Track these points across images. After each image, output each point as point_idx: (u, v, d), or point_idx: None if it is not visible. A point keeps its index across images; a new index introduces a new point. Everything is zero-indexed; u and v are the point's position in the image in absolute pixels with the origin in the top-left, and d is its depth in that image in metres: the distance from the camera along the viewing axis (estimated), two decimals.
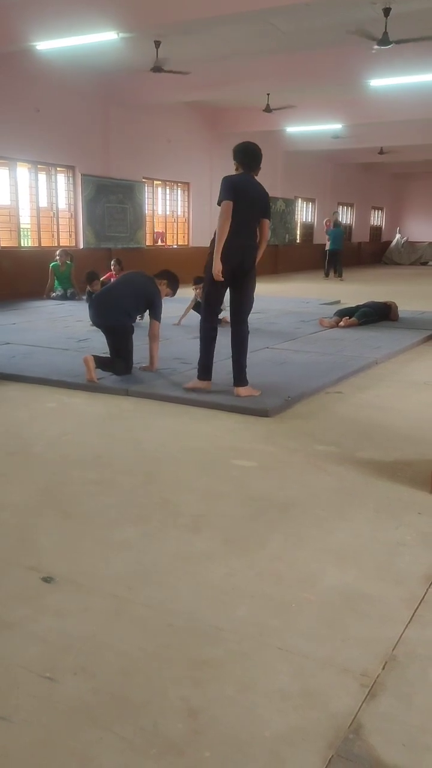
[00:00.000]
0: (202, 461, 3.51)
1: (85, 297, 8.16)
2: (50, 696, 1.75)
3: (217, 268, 4.38)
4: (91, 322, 5.68)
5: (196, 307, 7.20)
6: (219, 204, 4.41)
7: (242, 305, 4.69)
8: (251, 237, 4.47)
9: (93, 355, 5.10)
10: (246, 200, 4.36)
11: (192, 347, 6.36)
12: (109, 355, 5.32)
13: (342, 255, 17.43)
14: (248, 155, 4.45)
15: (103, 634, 2.00)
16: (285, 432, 4.02)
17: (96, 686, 1.78)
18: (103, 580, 2.30)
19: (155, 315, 5.33)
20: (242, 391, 4.68)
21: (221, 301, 4.79)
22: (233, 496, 3.03)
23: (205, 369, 4.75)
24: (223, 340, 4.89)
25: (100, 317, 5.35)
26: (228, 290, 4.70)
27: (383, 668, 1.86)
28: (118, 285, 5.54)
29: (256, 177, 4.50)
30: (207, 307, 4.77)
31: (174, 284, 5.53)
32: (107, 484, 3.18)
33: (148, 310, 5.39)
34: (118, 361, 5.22)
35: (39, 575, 2.33)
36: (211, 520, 2.79)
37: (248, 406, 4.42)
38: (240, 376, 4.72)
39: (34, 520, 2.79)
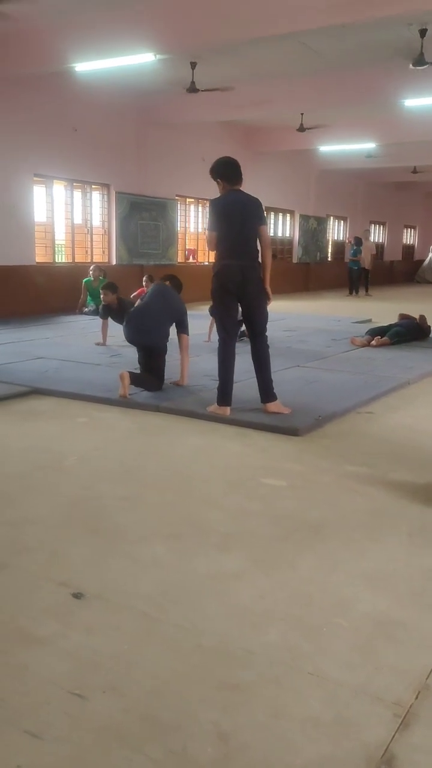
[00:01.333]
0: (232, 479, 3.50)
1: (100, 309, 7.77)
2: (81, 714, 1.74)
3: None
4: (126, 339, 5.64)
5: None
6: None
7: (254, 321, 4.65)
8: (249, 255, 4.42)
9: (129, 372, 5.13)
10: (235, 220, 4.33)
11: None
12: (140, 371, 5.36)
13: (367, 271, 17.45)
14: (228, 168, 4.41)
15: (133, 653, 2.00)
16: (315, 451, 3.99)
17: (126, 706, 1.77)
18: (133, 598, 2.30)
19: (184, 329, 5.37)
20: (271, 407, 4.64)
21: (234, 320, 4.68)
22: (263, 516, 3.01)
23: (223, 394, 4.61)
24: (247, 357, 4.87)
25: (141, 337, 5.35)
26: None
27: (417, 698, 1.82)
28: (155, 304, 5.47)
29: (241, 189, 4.43)
30: (220, 329, 4.68)
31: (178, 288, 5.57)
32: (137, 500, 3.19)
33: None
34: (150, 377, 5.26)
35: (69, 591, 2.34)
36: (240, 539, 2.77)
37: (278, 425, 4.40)
38: (266, 392, 4.65)
39: (64, 534, 2.81)
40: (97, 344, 7.64)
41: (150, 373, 5.29)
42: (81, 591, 2.33)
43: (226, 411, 4.62)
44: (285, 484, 3.41)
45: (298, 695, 1.83)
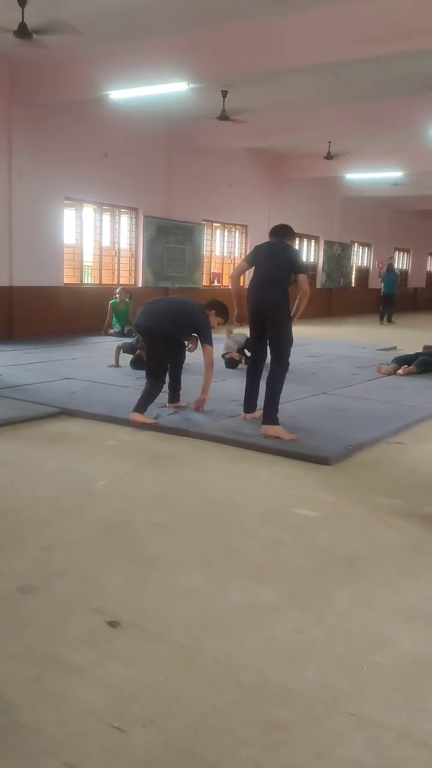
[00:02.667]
0: (264, 508, 3.48)
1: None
2: (120, 747, 1.73)
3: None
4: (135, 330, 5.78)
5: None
6: None
7: (272, 347, 5.07)
8: (270, 287, 4.92)
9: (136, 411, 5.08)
10: (262, 259, 5.04)
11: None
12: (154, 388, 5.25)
13: (395, 299, 17.40)
14: (272, 230, 5.31)
15: (171, 686, 1.98)
16: (346, 482, 3.96)
17: (166, 740, 1.75)
18: (169, 628, 2.28)
19: (206, 339, 5.26)
20: (268, 429, 4.77)
21: (255, 339, 5.23)
22: (297, 547, 2.98)
23: (245, 402, 5.27)
24: (283, 383, 4.88)
25: (144, 319, 5.25)
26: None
27: None
28: (167, 300, 5.80)
29: (284, 241, 5.17)
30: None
31: (223, 312, 5.56)
32: (169, 526, 3.18)
33: (195, 336, 5.48)
34: (150, 379, 5.22)
35: (104, 618, 2.33)
36: (275, 570, 2.75)
37: (308, 453, 4.38)
38: (266, 415, 4.86)
39: (98, 559, 2.80)
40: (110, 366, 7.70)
41: (151, 373, 5.25)
42: (116, 619, 2.32)
43: (246, 416, 5.22)
44: (318, 515, 3.38)
45: (340, 736, 1.80)
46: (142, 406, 5.10)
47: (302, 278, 4.98)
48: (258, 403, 5.21)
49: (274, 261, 4.98)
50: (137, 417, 5.05)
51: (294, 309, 5.00)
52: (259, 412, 5.14)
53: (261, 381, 5.18)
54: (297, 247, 17.88)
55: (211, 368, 5.35)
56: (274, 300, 4.89)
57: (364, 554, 2.94)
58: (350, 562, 2.85)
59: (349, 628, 2.32)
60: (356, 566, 2.81)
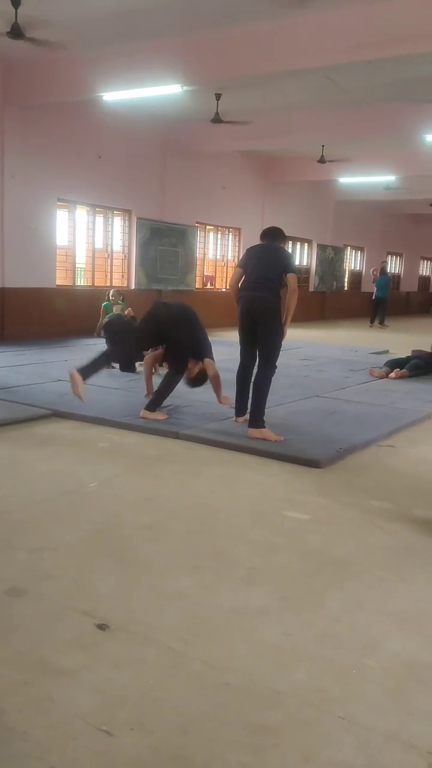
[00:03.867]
0: (255, 511, 3.47)
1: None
2: (108, 751, 1.71)
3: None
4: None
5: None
6: None
7: (261, 350, 5.03)
8: (261, 290, 4.88)
9: (77, 370, 5.03)
10: (253, 262, 5.02)
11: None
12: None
13: (387, 303, 17.44)
14: (263, 233, 5.34)
15: (159, 689, 1.97)
16: (338, 485, 3.96)
17: (154, 744, 1.74)
18: (158, 631, 2.27)
19: (203, 354, 5.37)
20: (254, 433, 4.79)
21: (245, 343, 5.18)
22: (288, 550, 2.98)
23: (237, 405, 5.27)
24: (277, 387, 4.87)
25: (173, 311, 5.44)
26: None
27: None
28: (178, 302, 5.89)
29: (275, 243, 5.18)
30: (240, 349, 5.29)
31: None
32: (160, 529, 3.17)
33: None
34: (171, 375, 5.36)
35: (94, 621, 2.31)
36: (266, 573, 2.74)
37: (299, 456, 4.38)
38: (252, 418, 4.88)
39: (88, 562, 2.79)
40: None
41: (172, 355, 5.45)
42: (105, 622, 2.31)
43: (238, 419, 5.23)
44: (309, 518, 3.38)
45: (329, 739, 1.79)
46: (154, 404, 5.23)
47: (291, 277, 4.94)
48: (248, 405, 5.18)
49: (265, 263, 4.96)
50: (148, 414, 5.17)
51: (285, 310, 4.99)
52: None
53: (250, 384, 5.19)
54: (289, 250, 17.98)
55: (217, 383, 5.44)
56: (266, 302, 4.86)
57: (355, 557, 2.93)
58: (341, 565, 2.85)
59: (339, 631, 2.32)
60: (347, 569, 2.81)
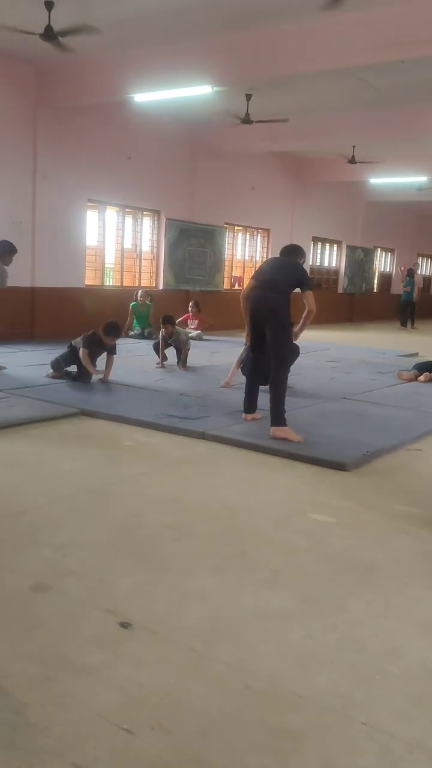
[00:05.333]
0: (279, 513, 3.46)
1: (156, 338, 8.49)
2: (128, 750, 1.71)
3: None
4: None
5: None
6: None
7: (272, 351, 4.96)
8: (270, 291, 4.91)
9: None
10: (265, 269, 5.19)
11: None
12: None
13: (413, 305, 17.29)
14: (282, 250, 5.45)
15: (180, 689, 1.96)
16: (364, 488, 3.92)
17: (174, 744, 1.74)
18: (180, 631, 2.27)
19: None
20: (276, 432, 4.76)
21: (254, 342, 5.16)
22: (312, 553, 2.95)
23: (245, 403, 5.32)
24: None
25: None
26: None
27: None
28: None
29: (290, 258, 5.26)
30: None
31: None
32: (183, 529, 3.17)
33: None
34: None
35: (116, 619, 2.32)
36: (289, 576, 2.72)
37: (326, 458, 4.34)
38: (273, 417, 4.85)
39: (111, 561, 2.80)
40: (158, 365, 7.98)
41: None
42: (128, 620, 2.31)
43: (246, 417, 5.28)
44: (334, 521, 3.35)
45: (351, 746, 1.77)
46: (279, 418, 4.80)
47: (310, 295, 4.96)
48: (259, 404, 5.29)
49: (277, 270, 5.04)
50: (279, 432, 4.74)
51: (299, 326, 5.11)
52: (259, 413, 5.23)
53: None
54: (318, 252, 17.91)
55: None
56: (274, 302, 4.87)
57: (380, 562, 2.90)
58: (366, 569, 2.82)
59: (362, 636, 2.29)
60: (372, 574, 2.78)
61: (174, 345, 8.06)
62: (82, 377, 6.66)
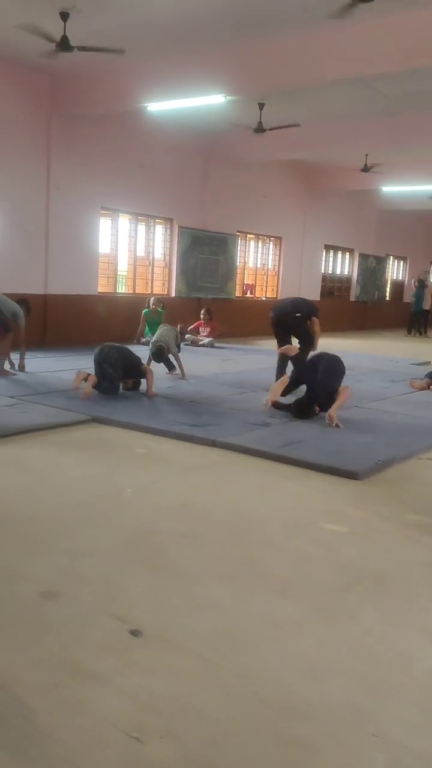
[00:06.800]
0: (290, 521, 3.44)
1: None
2: (138, 758, 1.71)
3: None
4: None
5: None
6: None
7: (302, 343, 7.13)
8: (291, 307, 7.30)
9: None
10: (287, 301, 7.57)
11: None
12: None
13: (424, 314, 17.37)
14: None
15: (190, 697, 1.96)
16: (376, 497, 3.90)
17: (184, 753, 1.73)
18: (190, 640, 2.26)
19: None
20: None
21: (280, 342, 7.22)
22: (323, 562, 2.94)
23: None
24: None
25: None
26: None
27: None
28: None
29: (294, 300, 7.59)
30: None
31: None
32: (194, 537, 3.17)
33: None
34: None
35: (126, 626, 2.32)
36: (300, 585, 2.71)
37: (337, 467, 4.32)
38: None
39: (123, 567, 2.80)
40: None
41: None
42: (138, 628, 2.31)
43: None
44: (345, 530, 3.33)
45: (361, 757, 1.76)
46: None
47: (315, 320, 7.06)
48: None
49: (293, 304, 7.30)
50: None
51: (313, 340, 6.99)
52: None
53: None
54: (330, 260, 17.91)
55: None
56: (295, 313, 7.05)
57: (392, 572, 2.88)
58: (377, 579, 2.80)
59: (373, 646, 2.28)
60: (383, 583, 2.76)
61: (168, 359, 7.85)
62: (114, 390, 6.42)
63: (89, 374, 6.32)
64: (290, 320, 7.12)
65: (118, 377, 6.42)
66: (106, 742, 1.76)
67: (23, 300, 7.70)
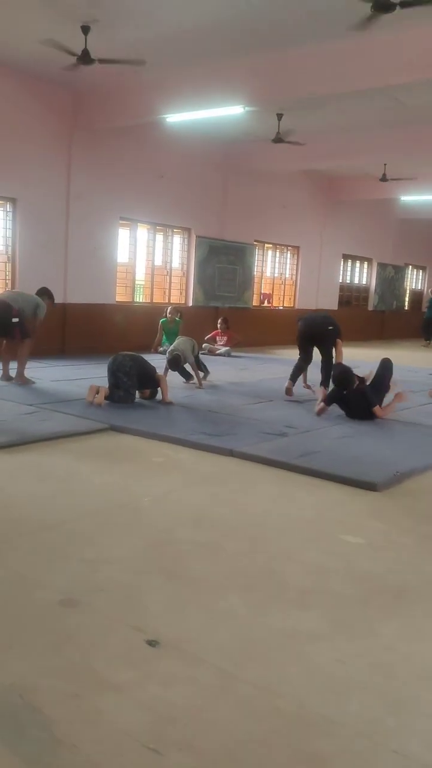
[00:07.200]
0: (308, 532, 3.42)
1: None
2: None
3: None
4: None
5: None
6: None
7: (323, 360, 7.41)
8: (321, 320, 7.59)
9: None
10: (316, 315, 8.05)
11: (300, 414, 6.34)
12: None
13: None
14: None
15: (209, 710, 1.95)
16: (395, 509, 3.87)
17: (202, 766, 1.72)
18: (209, 651, 2.25)
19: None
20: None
21: (303, 355, 7.49)
22: (342, 574, 2.92)
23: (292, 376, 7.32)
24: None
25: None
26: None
27: None
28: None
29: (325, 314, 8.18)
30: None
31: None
32: (212, 547, 3.16)
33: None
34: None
35: (144, 637, 2.31)
36: (319, 597, 2.69)
37: (356, 478, 4.29)
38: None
39: (140, 577, 2.80)
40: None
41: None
42: (156, 638, 2.30)
43: (289, 384, 7.23)
44: (364, 542, 3.30)
45: None
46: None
47: (339, 341, 7.24)
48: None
49: (325, 314, 7.83)
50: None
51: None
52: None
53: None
54: (348, 270, 17.87)
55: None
56: (327, 326, 7.29)
57: (412, 586, 2.85)
58: (396, 592, 2.77)
59: (394, 661, 2.25)
60: (403, 597, 2.73)
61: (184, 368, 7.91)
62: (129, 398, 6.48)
63: (100, 387, 6.36)
64: (323, 332, 7.27)
65: (133, 385, 6.45)
66: (124, 753, 1.76)
67: (44, 290, 7.66)
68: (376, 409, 6.15)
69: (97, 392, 6.32)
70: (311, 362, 7.54)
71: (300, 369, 7.41)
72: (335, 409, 6.29)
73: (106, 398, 6.27)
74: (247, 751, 1.79)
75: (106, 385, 6.44)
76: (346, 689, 2.08)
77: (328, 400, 6.30)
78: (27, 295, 7.49)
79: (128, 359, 6.56)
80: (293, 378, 7.23)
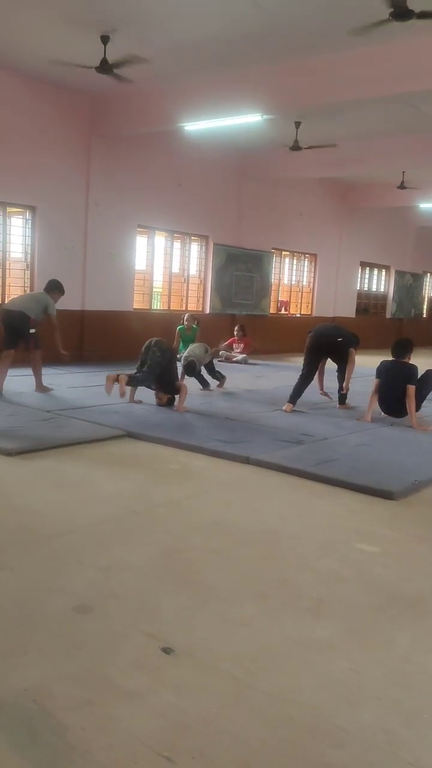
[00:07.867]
0: (323, 541, 3.40)
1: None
2: None
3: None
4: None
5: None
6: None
7: (339, 368, 7.32)
8: (325, 338, 7.26)
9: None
10: (321, 328, 7.56)
11: (317, 422, 6.33)
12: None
13: None
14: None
15: (222, 718, 1.94)
16: (412, 518, 3.83)
17: None
18: (222, 659, 2.24)
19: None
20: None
21: (307, 368, 7.14)
22: (357, 583, 2.89)
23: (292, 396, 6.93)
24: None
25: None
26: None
27: None
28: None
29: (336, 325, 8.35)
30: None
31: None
32: (227, 554, 3.15)
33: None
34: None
35: (158, 644, 2.31)
36: (333, 606, 2.67)
37: (373, 486, 4.27)
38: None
39: (154, 584, 2.80)
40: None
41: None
42: (170, 645, 2.30)
43: (289, 407, 6.83)
44: (380, 551, 3.28)
45: None
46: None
47: (352, 351, 7.14)
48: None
49: (336, 325, 7.75)
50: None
51: (345, 378, 7.10)
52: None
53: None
54: (366, 277, 17.77)
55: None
56: (337, 338, 7.18)
57: (427, 594, 2.82)
58: (412, 602, 2.74)
59: (409, 672, 2.23)
60: (418, 607, 2.70)
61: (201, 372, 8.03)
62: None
63: (118, 374, 6.46)
64: (333, 343, 7.17)
65: (154, 375, 6.58)
66: (137, 761, 1.75)
67: (52, 284, 7.44)
68: (410, 389, 6.28)
69: (116, 379, 6.39)
70: (313, 378, 7.22)
71: (300, 388, 7.00)
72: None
73: (126, 384, 6.41)
74: (260, 760, 1.78)
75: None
76: (361, 699, 2.06)
77: (376, 372, 6.61)
78: (37, 295, 7.45)
79: (165, 351, 6.69)
80: (292, 400, 6.87)
